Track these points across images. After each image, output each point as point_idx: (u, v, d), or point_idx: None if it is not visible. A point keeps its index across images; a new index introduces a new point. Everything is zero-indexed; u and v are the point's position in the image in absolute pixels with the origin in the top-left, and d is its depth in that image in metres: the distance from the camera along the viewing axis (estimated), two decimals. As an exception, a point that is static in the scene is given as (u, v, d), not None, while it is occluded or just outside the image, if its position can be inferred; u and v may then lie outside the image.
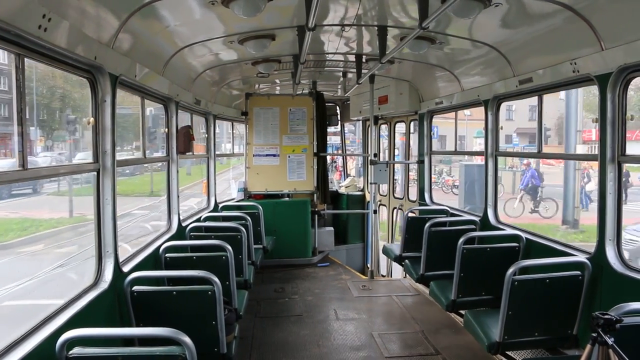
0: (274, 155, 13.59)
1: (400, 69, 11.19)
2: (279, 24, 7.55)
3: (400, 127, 14.59)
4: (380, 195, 15.62)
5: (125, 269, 6.28)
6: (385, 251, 11.11)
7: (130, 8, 5.50)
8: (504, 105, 8.61)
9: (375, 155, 12.67)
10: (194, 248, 8.03)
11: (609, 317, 3.92)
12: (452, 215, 10.30)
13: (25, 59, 4.33)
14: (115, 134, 5.90)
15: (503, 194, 27.13)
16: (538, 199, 28.42)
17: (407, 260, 9.78)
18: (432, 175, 12.34)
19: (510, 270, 5.87)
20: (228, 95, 12.62)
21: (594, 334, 3.98)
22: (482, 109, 9.00)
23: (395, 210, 15.08)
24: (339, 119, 16.92)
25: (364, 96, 13.50)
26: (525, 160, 28.85)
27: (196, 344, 4.18)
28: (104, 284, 5.77)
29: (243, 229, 8.69)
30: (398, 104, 12.43)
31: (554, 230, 22.72)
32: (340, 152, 18.73)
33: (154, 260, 7.39)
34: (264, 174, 13.54)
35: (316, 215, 13.87)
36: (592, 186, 25.23)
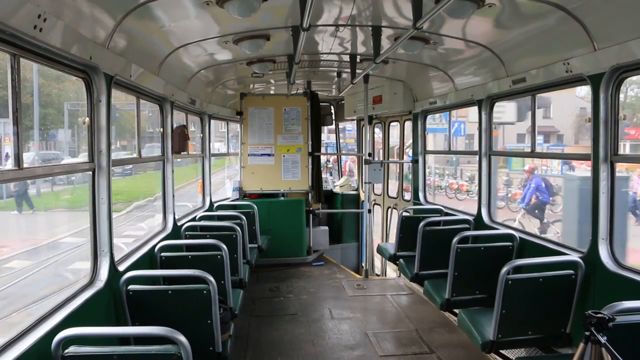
0: (269, 155, 13.59)
1: (394, 69, 11.22)
2: (273, 24, 7.56)
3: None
4: (375, 194, 15.64)
5: (121, 268, 6.28)
6: (380, 250, 11.12)
7: (125, 8, 5.51)
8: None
9: (369, 154, 12.69)
10: (189, 247, 8.02)
11: (602, 315, 3.95)
12: (446, 214, 10.33)
13: (21, 59, 4.34)
14: (110, 133, 5.92)
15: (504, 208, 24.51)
16: (545, 221, 21.28)
17: (401, 260, 9.79)
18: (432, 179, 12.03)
19: (504, 269, 5.90)
20: (223, 95, 12.63)
21: (586, 333, 4.01)
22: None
23: (389, 210, 15.12)
24: (333, 118, 16.93)
25: (359, 96, 13.52)
26: (526, 165, 22.54)
27: (192, 342, 4.20)
28: (100, 283, 5.77)
29: (238, 229, 8.69)
30: (392, 103, 12.46)
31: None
32: (338, 152, 18.67)
33: (149, 260, 7.40)
34: (259, 174, 13.54)
35: (311, 215, 13.89)
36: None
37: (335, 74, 12.53)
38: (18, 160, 4.35)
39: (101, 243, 5.91)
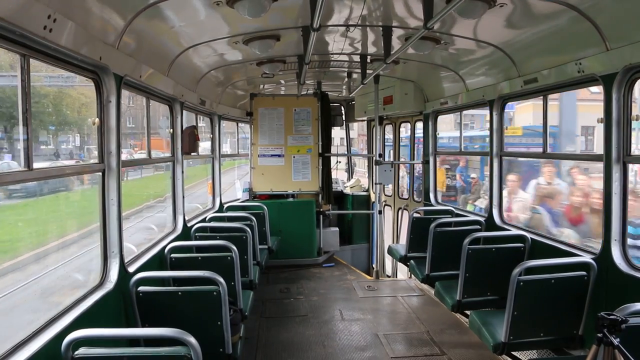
0: (279, 156, 13.60)
1: (405, 69, 11.19)
2: (283, 25, 7.55)
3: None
4: (385, 195, 15.60)
5: (131, 269, 6.29)
6: (391, 251, 11.09)
7: (135, 8, 5.52)
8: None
9: (380, 155, 12.66)
10: (199, 248, 8.02)
11: (615, 317, 3.91)
12: (457, 215, 10.28)
13: (31, 60, 4.34)
14: (120, 134, 5.92)
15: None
16: None
17: (412, 261, 9.75)
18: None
19: (516, 270, 5.85)
20: (233, 95, 12.64)
21: (599, 335, 3.96)
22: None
23: (400, 211, 15.08)
24: (343, 119, 16.92)
25: (369, 96, 13.51)
26: None
27: (202, 344, 4.18)
28: (110, 285, 5.78)
29: (248, 230, 8.67)
30: (403, 104, 12.44)
31: None
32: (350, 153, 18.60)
33: (159, 261, 7.41)
34: (269, 175, 13.55)
35: (321, 216, 13.87)
36: None
37: (345, 74, 12.51)
38: (28, 161, 4.35)
39: (111, 244, 5.91)
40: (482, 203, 15.71)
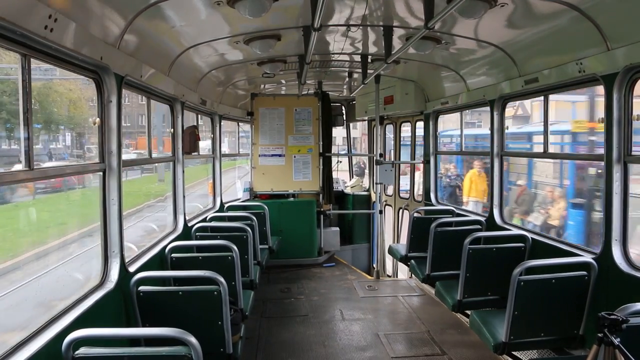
0: (280, 156, 13.60)
1: (405, 69, 11.18)
2: (284, 24, 7.55)
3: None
4: (386, 195, 15.60)
5: (131, 269, 6.29)
6: (391, 251, 11.08)
7: (136, 8, 5.52)
8: None
9: (380, 155, 12.66)
10: (199, 248, 8.02)
11: (615, 317, 3.91)
12: (458, 215, 10.28)
13: (32, 60, 4.34)
14: (121, 134, 5.92)
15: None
16: None
17: (412, 261, 9.74)
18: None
19: (516, 270, 5.85)
20: (234, 95, 12.63)
21: (600, 334, 3.97)
22: None
23: (401, 211, 15.07)
24: (344, 119, 16.92)
25: (370, 96, 13.51)
26: None
27: (202, 344, 4.18)
28: (110, 284, 5.78)
29: (249, 229, 8.67)
30: (403, 104, 12.44)
31: None
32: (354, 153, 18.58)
33: (159, 261, 7.40)
34: (270, 174, 13.55)
35: (322, 215, 13.87)
36: None
37: (346, 74, 12.51)
38: (28, 161, 4.35)
39: (111, 244, 5.92)
40: (538, 219, 15.04)
